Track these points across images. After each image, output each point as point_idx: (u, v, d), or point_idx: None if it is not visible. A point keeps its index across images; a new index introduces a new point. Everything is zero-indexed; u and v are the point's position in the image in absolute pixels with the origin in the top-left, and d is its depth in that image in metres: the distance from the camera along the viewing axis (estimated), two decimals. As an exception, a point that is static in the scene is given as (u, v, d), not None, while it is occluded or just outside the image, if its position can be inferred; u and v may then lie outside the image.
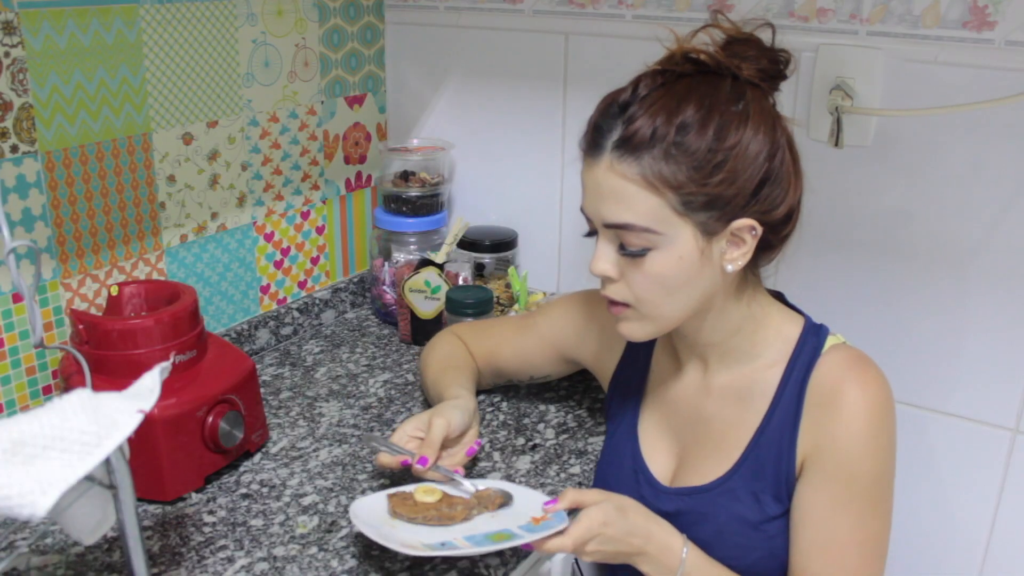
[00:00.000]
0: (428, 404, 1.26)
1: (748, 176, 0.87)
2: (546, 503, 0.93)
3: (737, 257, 0.90)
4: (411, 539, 0.89)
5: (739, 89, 0.88)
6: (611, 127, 0.88)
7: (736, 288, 0.95)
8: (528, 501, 0.98)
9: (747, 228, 0.88)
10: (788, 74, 0.94)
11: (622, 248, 0.90)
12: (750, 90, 0.89)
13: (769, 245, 0.93)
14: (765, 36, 0.92)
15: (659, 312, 0.92)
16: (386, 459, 1.01)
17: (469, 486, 0.99)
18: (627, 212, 0.87)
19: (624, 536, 0.90)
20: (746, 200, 0.87)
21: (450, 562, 0.94)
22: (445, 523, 0.93)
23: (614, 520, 0.89)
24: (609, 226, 0.90)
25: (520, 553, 0.98)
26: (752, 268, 0.95)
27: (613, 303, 0.95)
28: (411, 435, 1.03)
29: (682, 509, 0.98)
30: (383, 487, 1.06)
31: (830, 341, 0.95)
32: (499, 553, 0.96)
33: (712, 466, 0.98)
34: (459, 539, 0.90)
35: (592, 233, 0.94)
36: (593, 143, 0.90)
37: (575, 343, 1.16)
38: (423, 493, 0.97)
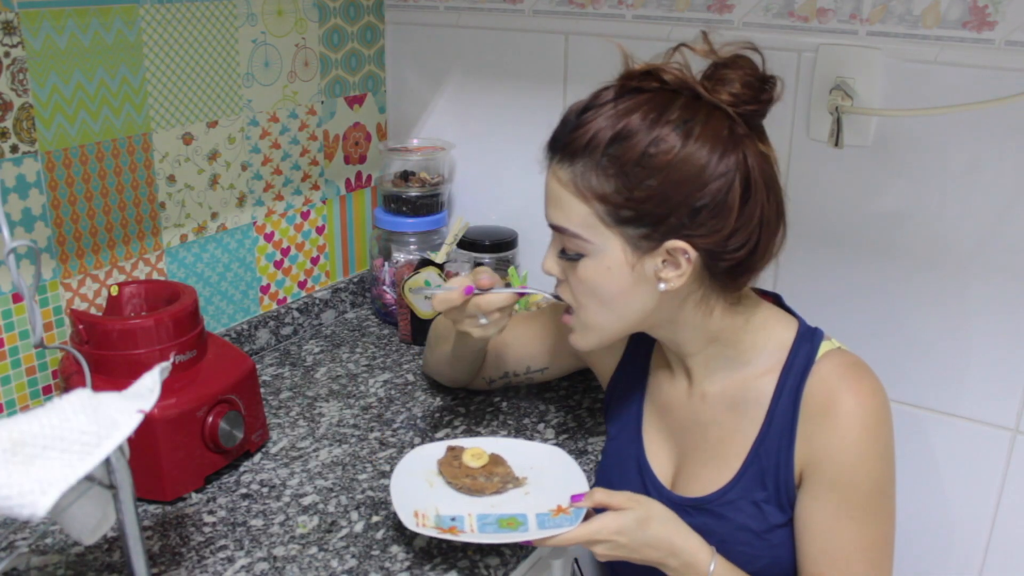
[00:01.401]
0: (428, 403, 1.26)
1: (681, 198, 0.84)
2: (573, 496, 0.94)
3: (672, 278, 0.88)
4: (427, 506, 0.96)
5: (692, 110, 0.85)
6: (562, 133, 0.91)
7: (697, 304, 0.93)
8: (567, 481, 1.00)
9: (680, 251, 0.87)
10: (767, 101, 0.88)
11: (563, 252, 0.93)
12: (707, 112, 0.85)
13: (718, 272, 0.89)
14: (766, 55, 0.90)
15: (596, 321, 0.94)
16: (443, 296, 1.00)
17: (547, 294, 1.02)
18: (562, 216, 0.91)
19: (640, 547, 0.90)
20: (680, 222, 0.85)
21: (450, 562, 0.94)
22: (475, 494, 0.99)
23: (630, 530, 0.89)
24: (552, 227, 0.93)
25: (520, 553, 0.97)
26: (717, 287, 0.92)
27: (566, 312, 0.98)
28: (459, 284, 1.02)
29: (686, 519, 0.97)
30: (383, 487, 1.06)
31: (824, 347, 0.94)
32: (500, 553, 0.96)
33: (712, 474, 0.98)
34: (471, 516, 0.95)
35: None
36: (549, 147, 0.93)
37: None
38: (471, 457, 1.02)
